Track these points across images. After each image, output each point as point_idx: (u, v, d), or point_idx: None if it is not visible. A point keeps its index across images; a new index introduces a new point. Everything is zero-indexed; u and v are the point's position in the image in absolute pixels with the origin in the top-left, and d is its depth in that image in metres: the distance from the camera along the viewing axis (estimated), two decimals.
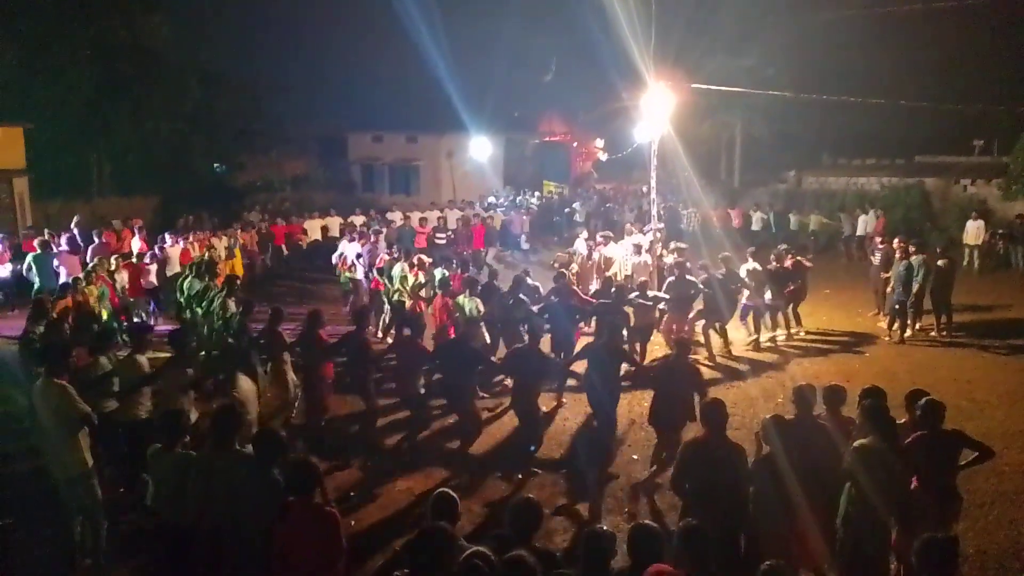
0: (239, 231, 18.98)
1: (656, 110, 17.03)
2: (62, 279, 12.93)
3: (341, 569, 4.70)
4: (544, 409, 9.28)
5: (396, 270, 13.14)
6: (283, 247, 21.18)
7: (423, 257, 13.72)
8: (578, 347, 10.11)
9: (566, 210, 28.53)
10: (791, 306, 13.64)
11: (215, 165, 32.20)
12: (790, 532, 5.48)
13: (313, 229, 21.76)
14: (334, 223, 21.83)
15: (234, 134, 30.99)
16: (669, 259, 14.20)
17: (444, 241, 20.45)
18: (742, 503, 5.52)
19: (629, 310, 11.38)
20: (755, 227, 25.04)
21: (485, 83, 31.66)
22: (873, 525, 5.30)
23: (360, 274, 14.81)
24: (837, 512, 5.49)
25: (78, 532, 6.34)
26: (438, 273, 12.44)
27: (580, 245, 16.95)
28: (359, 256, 14.96)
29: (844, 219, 24.13)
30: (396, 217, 22.62)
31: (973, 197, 24.79)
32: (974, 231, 20.39)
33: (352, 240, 16.09)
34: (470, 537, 4.80)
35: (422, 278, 12.63)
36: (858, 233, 22.96)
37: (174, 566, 5.47)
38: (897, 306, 13.32)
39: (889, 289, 13.79)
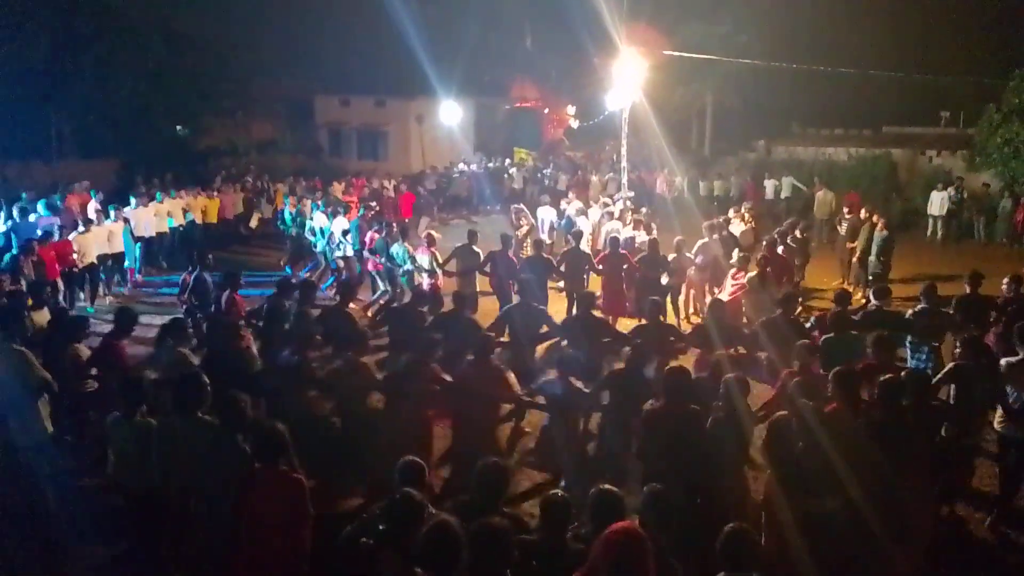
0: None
1: (628, 77, 16.91)
2: None
3: (307, 535, 4.69)
4: None
5: (397, 249, 12.02)
6: (58, 282, 11.81)
7: (432, 233, 12.49)
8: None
9: (505, 176, 28.08)
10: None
11: (177, 128, 31.39)
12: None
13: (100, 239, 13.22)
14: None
15: (198, 95, 30.13)
16: (627, 230, 13.59)
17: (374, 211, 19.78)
18: (705, 465, 5.47)
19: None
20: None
21: (455, 47, 31.12)
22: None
23: (350, 251, 13.62)
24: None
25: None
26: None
27: (544, 213, 16.36)
28: (346, 232, 13.63)
29: (734, 183, 25.28)
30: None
31: (939, 168, 25.13)
32: (938, 202, 20.66)
33: (336, 215, 14.36)
34: (436, 502, 4.77)
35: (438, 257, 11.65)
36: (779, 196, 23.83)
37: (140, 532, 5.45)
38: (872, 277, 13.43)
39: (855, 259, 13.98)
